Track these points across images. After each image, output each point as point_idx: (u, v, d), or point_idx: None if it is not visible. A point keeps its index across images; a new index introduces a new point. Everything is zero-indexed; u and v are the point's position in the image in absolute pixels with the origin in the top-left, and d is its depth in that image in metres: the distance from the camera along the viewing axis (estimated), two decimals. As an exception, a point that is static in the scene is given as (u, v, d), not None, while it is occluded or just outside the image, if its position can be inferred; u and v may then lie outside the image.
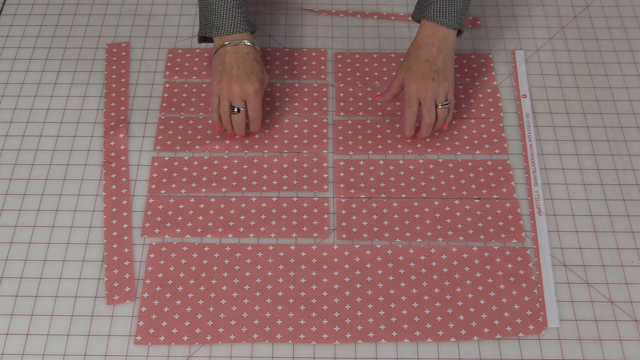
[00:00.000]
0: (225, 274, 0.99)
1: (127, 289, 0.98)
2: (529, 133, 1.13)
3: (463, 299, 0.96)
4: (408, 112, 1.06)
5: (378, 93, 1.14)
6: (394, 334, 0.94)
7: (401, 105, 1.15)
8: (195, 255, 1.00)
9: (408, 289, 0.97)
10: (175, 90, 1.18)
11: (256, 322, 0.95)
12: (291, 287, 0.98)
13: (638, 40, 1.25)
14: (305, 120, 1.15)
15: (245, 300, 0.96)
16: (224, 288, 0.97)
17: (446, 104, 1.05)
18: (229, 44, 1.05)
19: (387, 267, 0.99)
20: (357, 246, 1.01)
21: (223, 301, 0.96)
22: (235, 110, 1.05)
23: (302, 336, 0.94)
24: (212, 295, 0.97)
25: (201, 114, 1.15)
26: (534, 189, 1.07)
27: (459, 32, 1.10)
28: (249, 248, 1.01)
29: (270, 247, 1.01)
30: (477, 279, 0.98)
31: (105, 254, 1.01)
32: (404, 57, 1.09)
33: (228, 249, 1.01)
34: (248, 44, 1.06)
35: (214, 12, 1.07)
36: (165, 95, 1.18)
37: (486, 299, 0.96)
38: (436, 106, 1.05)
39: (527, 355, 0.92)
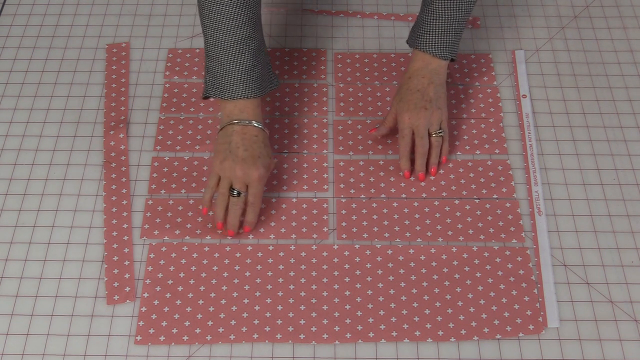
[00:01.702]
0: (225, 274, 0.99)
1: (127, 289, 0.98)
2: (529, 133, 1.12)
3: (463, 299, 0.96)
4: (401, 142, 1.05)
5: (377, 125, 1.11)
6: (394, 334, 0.94)
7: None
8: (195, 255, 1.00)
9: (408, 289, 0.97)
10: (175, 90, 1.18)
11: (256, 322, 0.95)
12: (291, 287, 0.98)
13: (638, 40, 1.25)
14: (305, 120, 1.14)
15: (245, 300, 0.96)
16: (224, 288, 0.97)
17: (440, 133, 1.05)
18: (237, 122, 0.99)
19: (387, 267, 0.99)
20: (357, 246, 1.01)
21: (223, 301, 0.96)
22: (235, 193, 0.97)
23: (302, 336, 0.94)
24: (212, 295, 0.97)
25: (201, 114, 1.15)
26: (534, 189, 1.07)
27: (452, 60, 1.08)
28: (249, 248, 1.01)
29: (270, 247, 1.01)
30: (477, 279, 0.98)
31: (105, 254, 1.01)
32: (396, 90, 1.08)
33: (228, 249, 1.00)
34: (257, 125, 0.99)
35: (225, 70, 0.99)
36: (165, 95, 1.18)
37: (486, 299, 0.96)
38: (430, 135, 1.05)
39: (527, 355, 0.92)
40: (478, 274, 0.98)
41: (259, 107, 1.02)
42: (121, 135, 1.12)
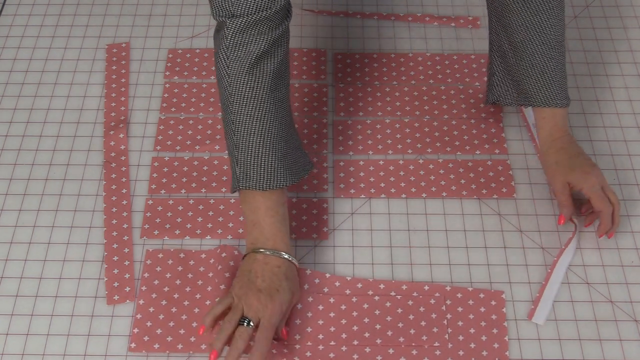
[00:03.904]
0: (222, 285, 0.97)
1: (127, 289, 0.97)
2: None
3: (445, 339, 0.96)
4: (606, 205, 0.98)
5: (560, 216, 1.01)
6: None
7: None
8: (192, 262, 0.99)
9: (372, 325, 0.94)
10: (175, 90, 1.18)
11: None
12: None
13: (638, 40, 1.25)
14: (306, 120, 1.14)
15: None
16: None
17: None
18: (262, 251, 0.91)
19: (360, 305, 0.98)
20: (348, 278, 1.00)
21: None
22: (245, 322, 0.87)
23: (297, 337, 0.93)
24: (207, 303, 0.95)
25: (201, 114, 1.15)
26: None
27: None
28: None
29: None
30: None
31: (105, 254, 1.01)
32: (548, 169, 1.02)
33: (224, 254, 0.99)
34: (281, 256, 0.91)
35: (259, 160, 0.92)
36: (165, 95, 1.18)
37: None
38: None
39: (527, 355, 0.92)
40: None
41: (285, 228, 0.94)
42: (121, 135, 1.12)
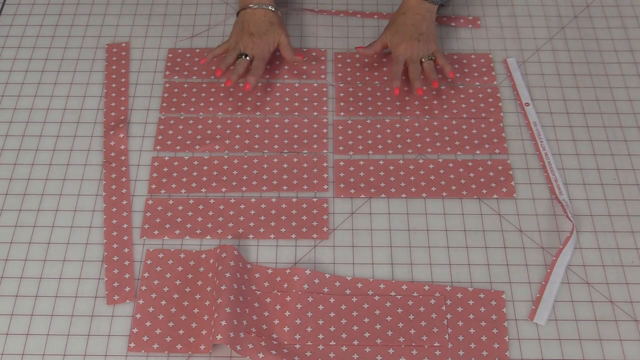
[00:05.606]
0: (223, 286, 0.97)
1: (127, 289, 0.97)
2: (541, 142, 1.11)
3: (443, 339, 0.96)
4: (395, 67, 1.14)
5: (360, 47, 1.20)
6: (379, 357, 0.93)
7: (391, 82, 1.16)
8: (192, 262, 0.99)
9: (372, 324, 0.94)
10: (175, 90, 1.18)
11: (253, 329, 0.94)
12: (288, 298, 0.97)
13: (638, 40, 1.25)
14: (305, 120, 1.15)
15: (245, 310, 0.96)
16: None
17: (430, 57, 1.15)
18: (251, 6, 1.17)
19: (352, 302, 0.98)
20: (327, 276, 1.00)
21: None
22: (243, 56, 1.15)
23: (297, 337, 0.93)
24: (207, 303, 0.96)
25: (201, 114, 1.15)
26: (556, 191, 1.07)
27: (441, 5, 1.20)
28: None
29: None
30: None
31: (105, 254, 1.01)
32: (389, 24, 1.18)
33: (224, 255, 0.98)
34: (264, 7, 1.17)
35: None
36: (165, 95, 1.18)
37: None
38: (421, 62, 1.15)
39: (527, 355, 0.92)
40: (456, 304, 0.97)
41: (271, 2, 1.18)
42: (121, 135, 1.12)
